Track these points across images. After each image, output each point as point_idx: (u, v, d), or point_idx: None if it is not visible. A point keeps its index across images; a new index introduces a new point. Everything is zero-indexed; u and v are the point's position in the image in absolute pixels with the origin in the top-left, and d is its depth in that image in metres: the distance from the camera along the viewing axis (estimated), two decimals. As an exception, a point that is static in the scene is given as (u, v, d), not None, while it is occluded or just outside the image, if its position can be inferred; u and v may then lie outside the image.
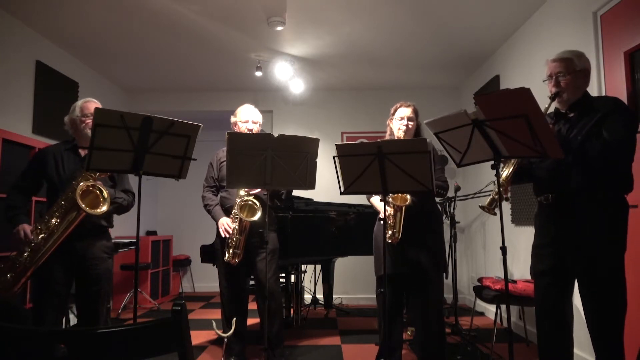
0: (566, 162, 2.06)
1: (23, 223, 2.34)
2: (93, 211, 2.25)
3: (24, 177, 2.54)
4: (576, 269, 2.11)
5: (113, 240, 2.75)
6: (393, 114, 2.81)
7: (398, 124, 2.75)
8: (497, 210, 2.11)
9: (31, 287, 2.43)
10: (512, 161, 2.18)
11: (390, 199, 2.55)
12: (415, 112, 2.78)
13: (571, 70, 2.13)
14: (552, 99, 2.16)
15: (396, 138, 2.73)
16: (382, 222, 2.60)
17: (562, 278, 2.17)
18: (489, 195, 2.19)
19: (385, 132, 2.93)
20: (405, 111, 2.76)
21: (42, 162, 2.50)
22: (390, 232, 2.56)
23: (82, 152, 2.53)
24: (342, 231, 3.87)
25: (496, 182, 2.08)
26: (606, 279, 2.03)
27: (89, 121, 2.47)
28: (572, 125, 2.14)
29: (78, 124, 2.52)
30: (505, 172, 2.19)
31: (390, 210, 2.58)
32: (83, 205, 2.22)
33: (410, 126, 2.74)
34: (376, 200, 2.80)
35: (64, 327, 2.83)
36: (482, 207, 2.16)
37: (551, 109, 2.21)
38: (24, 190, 2.54)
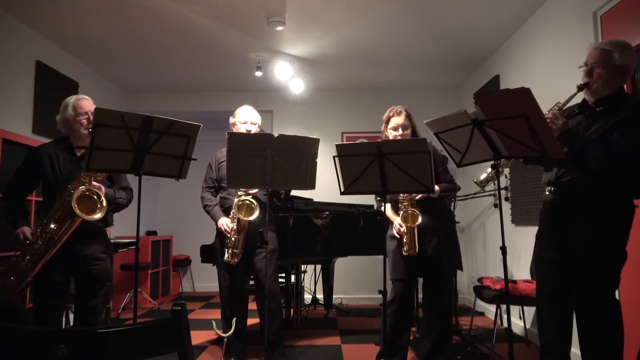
0: (570, 160, 2.05)
1: (23, 226, 2.36)
2: (89, 217, 2.25)
3: (19, 177, 2.51)
4: (573, 266, 2.11)
5: (113, 240, 2.75)
6: (387, 123, 2.81)
7: (393, 134, 2.76)
8: (501, 202, 2.12)
9: (31, 287, 2.43)
10: None
11: (402, 221, 2.62)
12: (407, 117, 2.77)
13: (608, 64, 2.01)
14: (580, 89, 2.07)
15: None
16: (390, 227, 2.64)
17: (563, 269, 2.16)
18: (490, 193, 2.22)
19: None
20: (398, 120, 2.75)
21: (38, 162, 2.45)
22: (406, 247, 2.63)
23: (78, 152, 2.50)
24: (342, 231, 3.86)
25: (496, 182, 2.08)
26: (597, 279, 2.02)
27: (84, 120, 2.45)
28: (593, 121, 2.06)
29: (72, 123, 2.48)
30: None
31: (403, 228, 2.64)
32: (79, 212, 2.21)
33: (405, 134, 2.75)
34: (388, 211, 2.84)
35: (64, 327, 2.83)
36: (476, 182, 2.21)
37: (577, 99, 2.13)
38: (19, 191, 2.51)
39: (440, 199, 2.82)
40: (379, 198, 2.91)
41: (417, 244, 2.62)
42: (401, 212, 2.63)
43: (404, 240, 2.63)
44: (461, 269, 2.98)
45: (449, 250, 2.77)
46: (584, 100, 2.17)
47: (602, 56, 2.03)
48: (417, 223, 2.59)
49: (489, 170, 2.16)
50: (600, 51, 2.05)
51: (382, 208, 2.58)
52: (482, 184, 2.20)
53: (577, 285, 2.09)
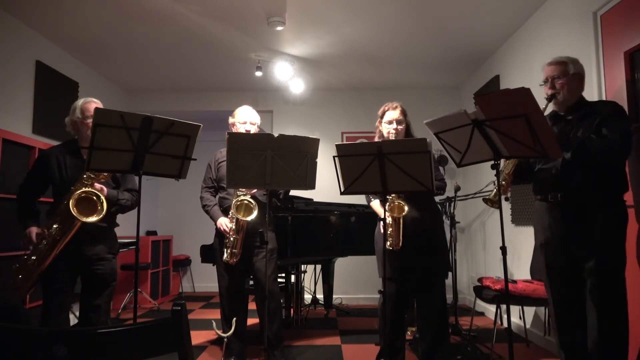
0: (570, 161, 2.10)
1: (31, 226, 2.39)
2: (86, 219, 2.24)
3: (29, 180, 2.56)
4: (584, 266, 2.12)
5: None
6: (381, 117, 2.79)
7: (388, 128, 2.74)
8: (501, 201, 2.14)
9: (38, 286, 2.47)
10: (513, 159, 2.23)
11: (388, 210, 2.56)
12: (403, 112, 2.76)
13: (566, 73, 2.22)
14: (549, 100, 2.23)
15: None
16: (382, 224, 2.60)
17: (577, 275, 2.17)
18: (492, 190, 2.24)
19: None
20: (393, 114, 2.74)
21: (45, 165, 2.49)
22: (390, 239, 2.57)
23: (85, 154, 2.52)
24: (342, 231, 3.86)
25: (496, 181, 2.09)
26: (605, 278, 2.04)
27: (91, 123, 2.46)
28: (574, 126, 2.19)
29: (80, 126, 2.49)
30: (507, 170, 2.23)
31: (388, 219, 2.58)
32: (76, 214, 2.21)
33: (400, 129, 2.73)
34: (376, 205, 2.80)
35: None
36: (485, 201, 2.21)
37: (548, 110, 2.26)
38: (30, 192, 2.55)
39: (429, 196, 2.79)
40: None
41: (401, 238, 2.56)
42: (387, 204, 2.58)
43: (389, 231, 2.57)
44: (450, 270, 2.96)
45: (439, 248, 2.74)
46: (553, 112, 2.32)
47: (560, 68, 2.24)
48: (403, 214, 2.54)
49: (496, 184, 2.17)
50: (555, 65, 2.26)
51: (370, 203, 2.54)
52: (495, 200, 2.19)
53: (590, 287, 2.10)
